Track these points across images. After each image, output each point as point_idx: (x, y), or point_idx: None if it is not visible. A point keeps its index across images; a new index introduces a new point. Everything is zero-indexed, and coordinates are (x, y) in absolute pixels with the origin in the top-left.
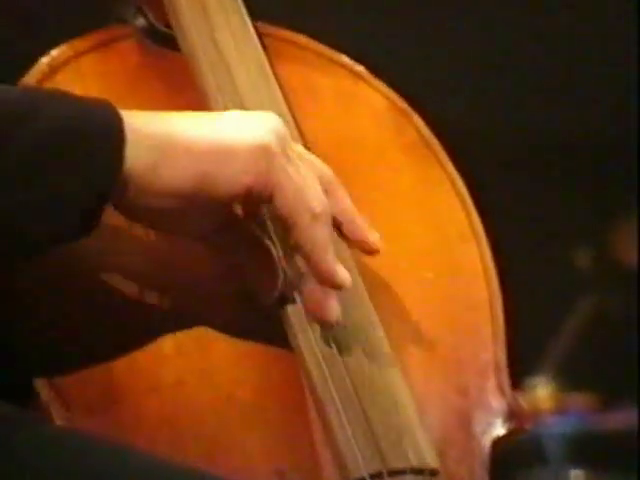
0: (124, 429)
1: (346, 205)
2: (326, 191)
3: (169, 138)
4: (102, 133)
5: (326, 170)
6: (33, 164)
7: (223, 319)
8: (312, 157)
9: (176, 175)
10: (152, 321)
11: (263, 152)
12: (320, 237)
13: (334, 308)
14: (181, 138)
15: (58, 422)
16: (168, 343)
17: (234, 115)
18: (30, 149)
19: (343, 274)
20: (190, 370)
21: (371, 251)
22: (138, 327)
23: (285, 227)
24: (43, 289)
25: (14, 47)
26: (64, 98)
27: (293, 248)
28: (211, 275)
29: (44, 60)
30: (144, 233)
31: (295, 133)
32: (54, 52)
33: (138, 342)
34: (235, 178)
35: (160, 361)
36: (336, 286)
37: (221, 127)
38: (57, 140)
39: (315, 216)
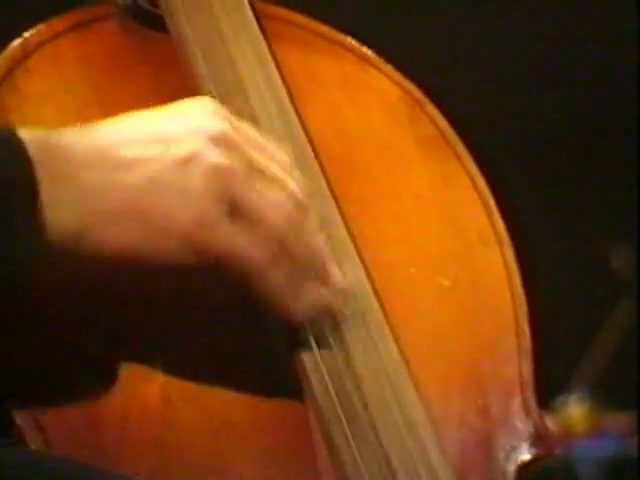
0: (106, 451)
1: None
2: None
3: (91, 198)
4: (10, 193)
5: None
6: None
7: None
8: (277, 156)
9: (102, 247)
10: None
11: (203, 223)
12: (278, 282)
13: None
14: (105, 200)
15: (33, 446)
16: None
17: (173, 157)
18: None
19: (306, 306)
20: (179, 388)
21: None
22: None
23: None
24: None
25: None
26: None
27: None
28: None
29: (16, 43)
30: None
31: (296, 128)
32: (27, 34)
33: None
34: (172, 255)
35: (145, 378)
36: (299, 321)
37: (156, 185)
38: None
39: (272, 262)
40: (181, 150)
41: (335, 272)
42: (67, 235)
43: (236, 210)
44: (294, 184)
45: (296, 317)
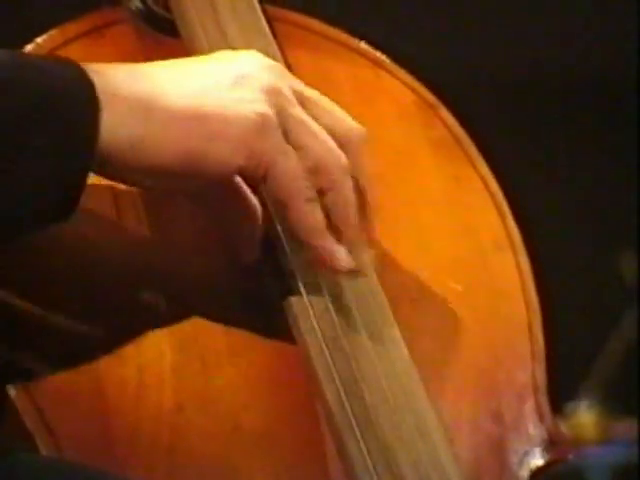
0: (117, 457)
1: (362, 173)
2: (342, 147)
3: (152, 107)
4: (72, 105)
5: (346, 123)
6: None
7: (218, 305)
8: (329, 105)
9: (160, 153)
10: (142, 315)
11: (258, 128)
12: (314, 222)
13: (342, 254)
14: (165, 107)
15: (44, 452)
16: (167, 365)
17: (229, 74)
18: None
19: (343, 257)
20: (191, 395)
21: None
22: (126, 321)
23: (279, 207)
24: (22, 278)
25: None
26: (27, 67)
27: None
28: (199, 253)
29: (29, 48)
30: (135, 224)
31: None
32: (40, 39)
33: (125, 338)
34: (225, 158)
35: (158, 384)
36: (336, 270)
37: (213, 92)
38: (23, 118)
39: (310, 199)
40: (238, 68)
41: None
42: (130, 140)
43: (285, 134)
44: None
45: (336, 264)
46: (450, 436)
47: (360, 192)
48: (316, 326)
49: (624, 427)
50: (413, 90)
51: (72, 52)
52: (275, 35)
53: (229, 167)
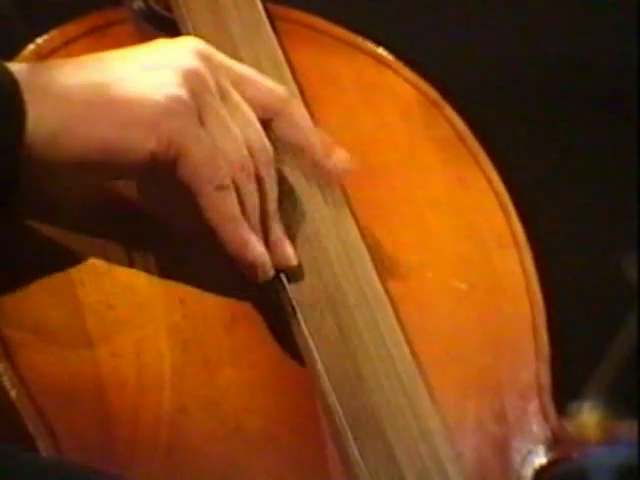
0: (117, 458)
1: (297, 130)
2: (276, 116)
3: (68, 101)
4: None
5: (275, 93)
6: None
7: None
8: (258, 78)
9: (77, 144)
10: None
11: (168, 110)
12: (224, 210)
13: (254, 245)
14: (79, 100)
15: (44, 453)
16: (168, 366)
17: (150, 59)
18: None
19: (255, 249)
20: (192, 396)
21: (344, 172)
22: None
23: (191, 194)
24: None
25: (6, 32)
26: None
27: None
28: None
29: (30, 48)
30: None
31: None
32: (41, 40)
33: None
34: (137, 143)
35: (159, 386)
36: (248, 263)
37: (124, 80)
38: None
39: (220, 187)
40: (162, 54)
41: (287, 247)
42: (49, 135)
43: (202, 121)
44: (261, 131)
45: (248, 256)
46: (452, 436)
47: (268, 200)
48: (316, 327)
49: (628, 427)
50: (417, 89)
51: (73, 52)
52: (277, 33)
53: (142, 152)
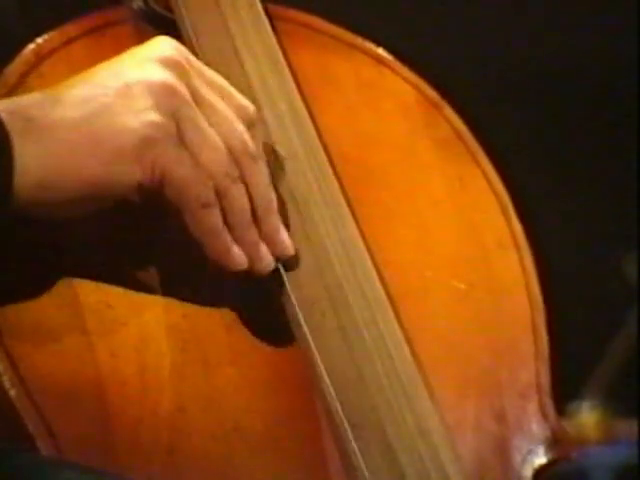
0: (117, 458)
1: (256, 189)
2: (236, 161)
3: (52, 143)
4: None
5: (239, 138)
6: None
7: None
8: (230, 93)
9: (65, 186)
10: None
11: (147, 139)
12: (209, 225)
13: (236, 255)
14: (63, 140)
15: (44, 452)
16: (168, 365)
17: (118, 83)
18: None
19: (238, 257)
20: (192, 395)
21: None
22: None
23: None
24: None
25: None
26: None
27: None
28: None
29: (30, 48)
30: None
31: (309, 131)
32: (41, 39)
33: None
34: (123, 176)
35: (158, 385)
36: (232, 268)
37: (101, 112)
38: None
39: (205, 205)
40: (128, 77)
41: (283, 237)
42: (36, 180)
43: (181, 138)
44: (242, 130)
45: (230, 264)
46: (451, 436)
47: (258, 196)
48: (317, 326)
49: (627, 427)
50: (417, 88)
51: (73, 52)
52: (276, 33)
53: (129, 183)
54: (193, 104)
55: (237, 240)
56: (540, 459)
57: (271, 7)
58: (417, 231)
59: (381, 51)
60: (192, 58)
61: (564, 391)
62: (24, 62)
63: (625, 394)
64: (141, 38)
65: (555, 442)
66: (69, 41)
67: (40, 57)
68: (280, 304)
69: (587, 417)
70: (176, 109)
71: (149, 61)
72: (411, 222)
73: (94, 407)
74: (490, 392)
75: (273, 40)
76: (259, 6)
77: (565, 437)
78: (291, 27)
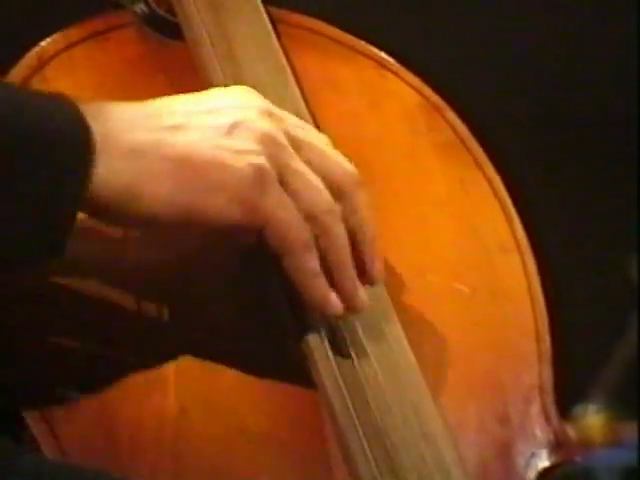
0: (121, 461)
1: (358, 216)
2: (338, 194)
3: (148, 157)
4: (64, 152)
5: (340, 167)
6: None
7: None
8: (323, 147)
9: (156, 204)
10: (153, 335)
11: (255, 182)
12: (310, 268)
13: (333, 300)
14: (161, 157)
15: (48, 455)
16: (170, 368)
17: (224, 121)
18: None
19: (333, 303)
20: (195, 398)
21: (370, 280)
22: (138, 344)
23: (277, 255)
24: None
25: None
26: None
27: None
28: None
29: (33, 52)
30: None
31: None
32: (44, 43)
33: (140, 365)
34: (222, 211)
35: (161, 387)
36: (329, 313)
37: (209, 141)
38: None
39: (307, 246)
40: (229, 118)
41: (379, 268)
42: (124, 190)
43: (282, 183)
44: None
45: (328, 309)
46: (455, 440)
47: (356, 232)
48: (322, 334)
49: (632, 430)
50: (419, 92)
51: (76, 56)
52: (279, 37)
53: (226, 220)
54: (292, 150)
55: (336, 281)
56: (543, 462)
57: (274, 10)
58: (420, 234)
59: (384, 55)
60: (277, 109)
61: (569, 394)
62: (27, 66)
63: (630, 397)
64: (144, 42)
65: (558, 445)
66: (72, 45)
67: (43, 61)
68: (285, 318)
69: (592, 420)
70: (278, 156)
71: (248, 109)
72: (414, 225)
73: (97, 409)
74: (493, 395)
75: (276, 44)
76: (262, 9)
77: (568, 440)
78: (294, 31)
